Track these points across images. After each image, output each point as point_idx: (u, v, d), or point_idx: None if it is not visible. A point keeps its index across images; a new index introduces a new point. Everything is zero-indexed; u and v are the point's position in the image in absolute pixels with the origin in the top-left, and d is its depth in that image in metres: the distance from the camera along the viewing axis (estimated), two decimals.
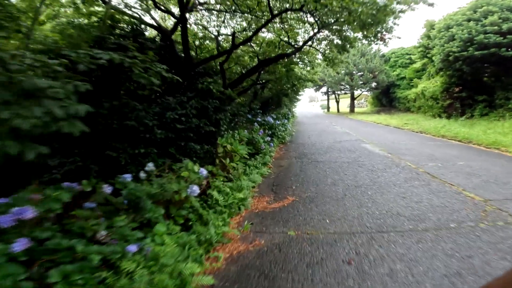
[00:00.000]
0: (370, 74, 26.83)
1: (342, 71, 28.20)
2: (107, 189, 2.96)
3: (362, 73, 27.84)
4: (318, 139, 10.73)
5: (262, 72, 10.73)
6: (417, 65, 24.71)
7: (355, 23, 5.88)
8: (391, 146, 8.68)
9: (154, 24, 7.19)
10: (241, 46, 11.03)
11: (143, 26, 6.84)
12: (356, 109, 33.46)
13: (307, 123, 18.59)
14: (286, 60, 10.50)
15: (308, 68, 12.40)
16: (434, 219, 3.53)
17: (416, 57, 18.27)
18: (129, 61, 3.11)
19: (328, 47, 10.42)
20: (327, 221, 3.54)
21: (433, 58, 15.43)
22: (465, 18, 13.26)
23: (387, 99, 29.75)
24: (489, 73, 14.50)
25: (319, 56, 11.47)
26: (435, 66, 16.01)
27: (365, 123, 18.70)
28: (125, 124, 4.32)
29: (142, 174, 3.51)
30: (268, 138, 7.81)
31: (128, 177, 3.21)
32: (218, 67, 7.18)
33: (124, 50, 3.77)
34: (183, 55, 6.26)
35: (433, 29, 15.90)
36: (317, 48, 10.48)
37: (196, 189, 3.31)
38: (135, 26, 6.55)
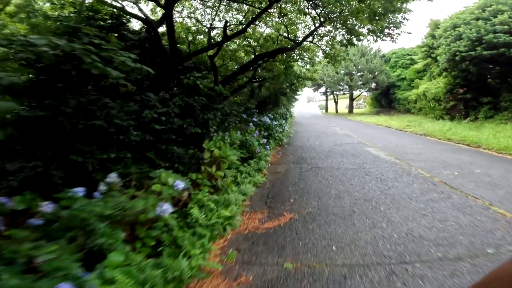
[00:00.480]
0: (370, 75, 26.18)
1: (342, 71, 27.55)
2: (47, 207, 2.24)
3: (362, 73, 27.19)
4: (318, 141, 10.03)
5: (258, 69, 10.02)
6: (419, 65, 24.09)
7: (364, 15, 5.18)
8: (396, 150, 7.99)
9: (141, 15, 6.46)
10: (237, 42, 10.36)
11: (127, 17, 6.12)
12: (354, 110, 32.82)
13: (305, 124, 17.90)
14: (284, 56, 9.79)
15: (308, 66, 11.71)
16: (466, 242, 2.87)
17: (419, 56, 17.63)
18: (79, 48, 2.38)
19: (330, 44, 9.74)
20: (334, 248, 2.84)
21: (438, 58, 14.78)
22: (473, 17, 12.61)
23: (386, 100, 29.14)
24: (495, 74, 13.86)
25: (320, 53, 10.80)
26: (439, 66, 15.36)
27: (365, 124, 18.03)
28: (92, 124, 3.59)
29: (102, 187, 2.78)
30: (264, 140, 7.09)
31: (79, 191, 2.47)
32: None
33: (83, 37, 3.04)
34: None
35: (438, 28, 15.25)
36: (318, 44, 9.79)
37: (167, 208, 2.60)
38: (114, 16, 5.82)
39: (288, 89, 16.95)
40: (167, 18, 5.32)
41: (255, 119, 8.94)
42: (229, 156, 4.20)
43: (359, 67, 27.17)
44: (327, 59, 10.15)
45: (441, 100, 17.64)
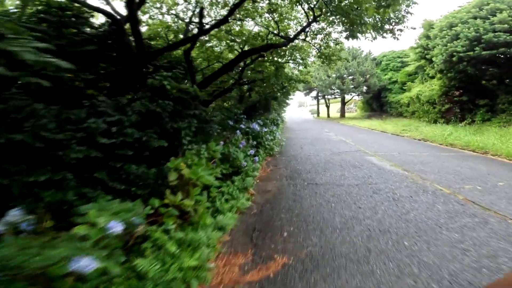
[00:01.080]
0: (362, 78, 25.57)
1: (333, 75, 26.89)
2: None
3: (353, 76, 26.57)
4: (313, 149, 9.06)
5: (247, 69, 9.05)
6: (411, 68, 23.56)
7: (371, 2, 4.25)
8: (401, 159, 7.08)
9: (106, 8, 5.41)
10: (224, 42, 9.38)
11: (91, 11, 5.06)
12: (346, 114, 32.16)
13: (297, 130, 16.98)
14: (275, 57, 8.85)
15: (301, 68, 10.80)
16: None
17: (413, 58, 16.99)
18: None
19: (325, 42, 8.85)
20: None
21: (433, 59, 14.10)
22: (471, 15, 11.98)
23: (377, 103, 28.60)
24: (491, 76, 13.25)
25: (313, 52, 9.90)
26: (434, 68, 14.69)
27: (359, 129, 17.23)
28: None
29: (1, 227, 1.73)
30: (252, 151, 6.08)
31: None
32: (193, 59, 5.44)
33: None
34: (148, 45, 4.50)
35: (433, 28, 14.62)
36: (310, 42, 8.88)
37: (88, 265, 1.56)
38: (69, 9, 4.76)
39: (279, 93, 16.05)
40: (129, 7, 4.29)
41: (243, 126, 7.94)
42: (202, 178, 3.17)
43: (350, 70, 26.56)
44: (321, 59, 9.25)
45: (436, 103, 17.00)
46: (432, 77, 21.56)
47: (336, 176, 5.53)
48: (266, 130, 8.54)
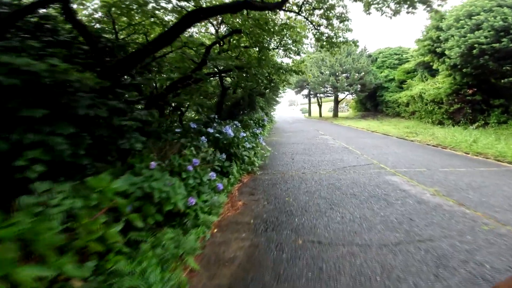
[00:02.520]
0: (357, 75, 23.40)
1: (327, 71, 24.63)
2: None
3: (348, 73, 24.38)
4: (308, 162, 6.68)
5: (220, 53, 6.61)
6: (410, 64, 21.52)
7: None
8: (438, 181, 4.78)
9: None
10: None
11: None
12: (338, 114, 29.99)
13: (288, 131, 14.59)
14: (255, 35, 6.40)
15: (293, 56, 8.40)
16: None
17: (420, 52, 14.77)
18: None
19: (325, 17, 6.46)
20: None
21: (447, 52, 11.92)
22: (494, 4, 9.81)
23: (372, 103, 26.55)
24: (508, 73, 11.17)
25: (309, 35, 7.51)
26: (445, 63, 12.52)
27: (358, 131, 14.95)
28: None
29: None
30: (213, 175, 3.65)
31: None
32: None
33: None
34: None
35: (444, 19, 12.46)
36: (307, 18, 6.48)
37: None
38: None
39: (266, 88, 13.60)
40: None
41: (211, 130, 5.51)
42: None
43: (345, 67, 24.37)
44: (320, 42, 6.88)
45: (443, 102, 14.91)
46: (433, 75, 19.60)
47: (350, 222, 3.14)
48: (244, 135, 6.11)
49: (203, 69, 6.10)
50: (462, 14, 11.06)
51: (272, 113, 25.30)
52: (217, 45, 6.65)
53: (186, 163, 3.43)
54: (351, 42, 6.87)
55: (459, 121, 13.91)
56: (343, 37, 6.76)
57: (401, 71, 22.85)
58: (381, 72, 24.75)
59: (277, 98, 20.44)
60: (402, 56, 24.64)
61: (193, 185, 3.28)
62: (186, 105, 13.81)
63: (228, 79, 13.06)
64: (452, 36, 11.59)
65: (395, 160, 6.62)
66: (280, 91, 16.36)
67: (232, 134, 5.48)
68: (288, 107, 76.04)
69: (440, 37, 12.52)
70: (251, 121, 9.60)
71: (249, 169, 5.47)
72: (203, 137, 5.24)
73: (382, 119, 21.26)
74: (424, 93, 16.60)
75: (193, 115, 15.71)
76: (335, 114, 28.35)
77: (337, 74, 24.49)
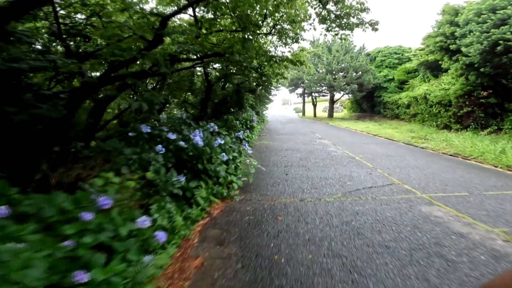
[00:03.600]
0: (355, 74, 21.88)
1: (323, 69, 23.06)
2: None
3: (345, 72, 22.85)
4: (307, 179, 5.05)
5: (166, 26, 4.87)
6: (412, 64, 20.10)
7: None
8: (499, 213, 3.20)
9: None
10: None
11: None
12: (333, 114, 28.47)
13: (281, 133, 12.94)
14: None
15: (290, 42, 6.73)
16: None
17: (429, 49, 13.25)
18: None
19: None
20: None
21: (463, 49, 10.43)
22: None
23: (368, 103, 25.13)
24: None
25: (312, 13, 5.84)
26: (460, 61, 11.03)
27: (358, 134, 13.39)
28: None
29: None
30: (143, 221, 1.96)
31: None
32: None
33: None
34: None
35: (460, 13, 10.99)
36: None
37: None
38: None
39: (259, 85, 11.91)
40: None
41: (173, 137, 3.81)
42: None
43: (343, 65, 22.82)
44: (326, 25, 5.23)
45: (451, 105, 13.49)
46: (436, 76, 18.24)
47: None
48: (222, 142, 4.44)
49: (166, 55, 4.35)
50: (484, 8, 9.57)
51: (264, 112, 23.63)
52: (195, 28, 4.95)
53: (85, 204, 1.74)
54: (367, 25, 5.21)
55: (468, 126, 12.50)
56: (357, 18, 5.12)
57: (401, 71, 21.42)
58: (380, 72, 23.30)
59: (270, 96, 18.79)
60: (402, 55, 23.23)
61: (94, 244, 1.60)
62: (164, 103, 12.01)
63: (214, 72, 11.35)
64: (471, 31, 10.09)
65: (419, 178, 5.05)
66: (273, 88, 14.70)
67: (201, 143, 3.79)
68: (282, 106, 74.49)
69: (455, 33, 11.01)
70: (237, 122, 7.92)
71: (224, 193, 3.79)
72: (160, 146, 3.55)
73: (380, 121, 19.84)
74: (429, 94, 15.17)
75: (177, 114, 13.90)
76: (330, 115, 26.85)
77: (334, 72, 22.93)
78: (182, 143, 3.84)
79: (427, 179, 4.99)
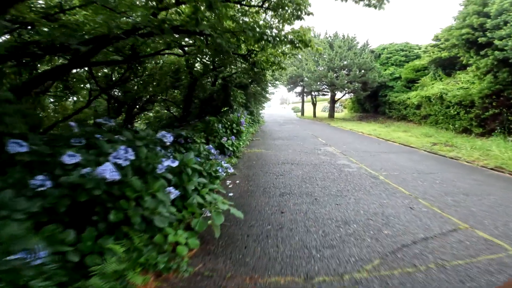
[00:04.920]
0: (360, 71, 20.00)
1: (325, 66, 21.15)
2: None
3: (348, 69, 20.96)
4: (315, 222, 3.16)
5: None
6: (421, 61, 18.26)
7: None
8: None
9: None
10: None
11: None
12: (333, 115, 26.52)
13: (278, 137, 11.02)
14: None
15: (292, 20, 4.82)
16: None
17: (451, 42, 11.30)
18: None
19: None
20: None
21: (496, 42, 8.59)
22: None
23: (372, 103, 23.28)
24: None
25: None
26: (490, 56, 9.17)
27: (366, 139, 11.49)
28: None
29: None
30: None
31: None
32: None
33: None
34: None
35: (490, 3, 9.15)
36: None
37: None
38: None
39: (252, 80, 9.98)
40: None
41: (74, 160, 1.88)
42: None
43: (345, 62, 20.92)
44: None
45: (473, 106, 11.64)
46: (449, 74, 16.42)
47: None
48: (173, 164, 2.53)
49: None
50: None
51: (261, 111, 21.69)
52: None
53: None
54: None
55: (492, 130, 10.66)
56: None
57: (409, 69, 19.55)
58: (385, 70, 21.42)
59: (267, 95, 16.88)
60: (409, 52, 21.37)
61: None
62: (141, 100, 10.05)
63: (198, 65, 9.43)
64: (507, 22, 8.24)
65: (489, 215, 3.16)
66: (269, 84, 12.81)
67: (116, 175, 1.88)
68: (280, 106, 72.60)
69: (485, 25, 9.14)
70: (220, 125, 5.98)
71: (160, 264, 1.89)
72: (41, 177, 1.66)
73: (385, 122, 18.00)
74: (446, 94, 13.31)
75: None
76: (331, 115, 24.96)
77: (336, 69, 21.02)
78: (86, 171, 1.95)
79: (502, 219, 3.11)
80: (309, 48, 4.95)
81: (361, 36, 46.49)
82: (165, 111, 11.03)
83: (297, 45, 4.61)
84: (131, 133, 2.77)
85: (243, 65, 6.79)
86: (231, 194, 3.81)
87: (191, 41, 5.52)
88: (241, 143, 6.28)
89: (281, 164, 5.65)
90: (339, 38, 22.77)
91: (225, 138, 5.52)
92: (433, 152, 7.99)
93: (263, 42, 4.47)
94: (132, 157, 2.34)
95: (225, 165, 3.99)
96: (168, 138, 3.01)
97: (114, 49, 5.62)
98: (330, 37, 23.62)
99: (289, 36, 4.54)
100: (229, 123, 6.29)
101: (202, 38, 4.16)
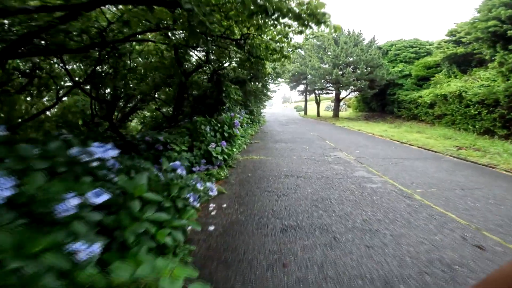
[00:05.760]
0: (367, 68, 18.74)
1: (330, 63, 19.89)
2: None
3: (354, 66, 19.69)
4: None
5: None
6: (435, 57, 16.96)
7: None
8: None
9: None
10: None
11: None
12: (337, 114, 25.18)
13: (279, 139, 9.84)
14: None
15: None
16: None
17: (475, 36, 9.98)
18: None
19: None
20: None
21: None
22: None
23: (378, 102, 22.02)
24: None
25: None
26: None
27: (380, 141, 10.25)
28: None
29: None
30: None
31: None
32: None
33: None
34: None
35: None
36: None
37: None
38: None
39: (252, 76, 8.81)
40: None
41: None
42: None
43: (351, 59, 19.65)
44: None
45: (498, 105, 10.38)
46: (464, 71, 15.12)
47: None
48: (102, 198, 1.38)
49: None
50: None
51: (262, 110, 20.49)
52: None
53: None
54: None
55: None
56: None
57: (420, 66, 18.25)
58: (394, 67, 20.12)
59: (268, 93, 15.66)
60: (420, 49, 20.05)
61: None
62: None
63: (193, 59, 8.29)
64: None
65: None
66: (269, 79, 11.61)
67: None
68: (282, 105, 71.36)
69: None
70: (207, 128, 4.79)
71: None
72: None
73: (395, 122, 16.72)
74: (466, 92, 12.03)
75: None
76: (336, 114, 23.69)
77: (341, 66, 19.74)
78: None
79: None
80: (321, 30, 3.75)
81: (366, 32, 45.02)
82: (157, 110, 9.88)
83: (306, 21, 3.41)
84: (29, 148, 1.60)
85: (238, 56, 5.61)
86: (211, 228, 2.65)
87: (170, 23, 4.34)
88: (235, 149, 5.10)
89: (284, 178, 4.46)
90: (344, 34, 21.49)
91: (213, 144, 4.35)
92: (462, 158, 6.77)
93: (259, 17, 3.30)
94: (9, 193, 1.21)
95: (208, 185, 2.81)
96: (102, 153, 1.84)
97: (78, 34, 4.48)
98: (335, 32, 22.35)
99: (295, 9, 3.35)
100: (219, 125, 5.09)
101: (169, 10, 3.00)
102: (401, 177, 4.63)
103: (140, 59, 7.64)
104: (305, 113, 30.21)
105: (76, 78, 6.59)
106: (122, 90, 8.02)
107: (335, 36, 21.75)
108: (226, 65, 6.76)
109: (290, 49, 4.74)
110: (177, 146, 4.06)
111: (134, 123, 11.94)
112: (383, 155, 6.74)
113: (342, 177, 4.55)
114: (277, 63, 6.42)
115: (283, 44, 4.69)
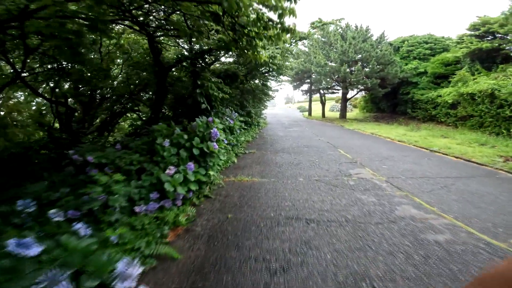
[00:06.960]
0: (379, 66, 16.94)
1: (337, 59, 18.10)
2: None
3: (364, 63, 17.89)
4: None
5: None
6: (456, 53, 15.09)
7: None
8: None
9: None
10: None
11: None
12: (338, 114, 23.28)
13: (281, 148, 8.11)
14: None
15: None
16: None
17: (509, 29, 8.16)
18: None
19: None
20: None
21: None
22: None
23: (389, 102, 20.15)
24: None
25: None
26: None
27: (404, 149, 8.44)
28: None
29: None
30: None
31: None
32: None
33: None
34: None
35: None
36: None
37: None
38: None
39: (249, 71, 7.12)
40: None
41: None
42: None
43: (360, 55, 17.84)
44: None
45: None
46: (488, 69, 13.28)
47: None
48: None
49: None
50: None
51: (263, 111, 18.77)
52: None
53: None
54: None
55: None
56: None
57: (437, 63, 16.39)
58: (407, 64, 18.26)
59: (270, 92, 13.95)
60: (435, 45, 18.18)
61: None
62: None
63: (172, 50, 6.65)
64: None
65: None
66: (270, 78, 9.91)
67: None
68: (285, 105, 69.50)
69: None
70: (166, 142, 3.07)
71: None
72: None
73: (409, 124, 14.84)
74: (499, 91, 10.20)
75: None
76: (343, 115, 21.86)
77: (350, 63, 17.94)
78: None
79: None
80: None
81: (374, 28, 42.97)
82: (133, 112, 8.22)
83: None
84: None
85: (220, 36, 3.92)
86: None
87: None
88: (212, 172, 3.38)
89: (285, 224, 2.73)
90: (351, 29, 19.70)
91: (172, 168, 2.66)
92: None
93: None
94: None
95: (119, 269, 1.12)
96: None
97: None
98: (341, 27, 20.60)
99: None
100: (186, 138, 3.27)
101: None
102: (473, 215, 2.89)
103: (102, 51, 5.99)
104: (310, 114, 28.39)
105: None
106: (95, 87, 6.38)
107: (341, 32, 19.98)
108: (204, 47, 5.06)
109: (293, 18, 3.00)
110: (108, 173, 2.39)
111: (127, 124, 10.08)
112: (420, 172, 4.96)
113: (379, 220, 2.81)
114: (275, 45, 4.73)
115: (282, 11, 2.98)
